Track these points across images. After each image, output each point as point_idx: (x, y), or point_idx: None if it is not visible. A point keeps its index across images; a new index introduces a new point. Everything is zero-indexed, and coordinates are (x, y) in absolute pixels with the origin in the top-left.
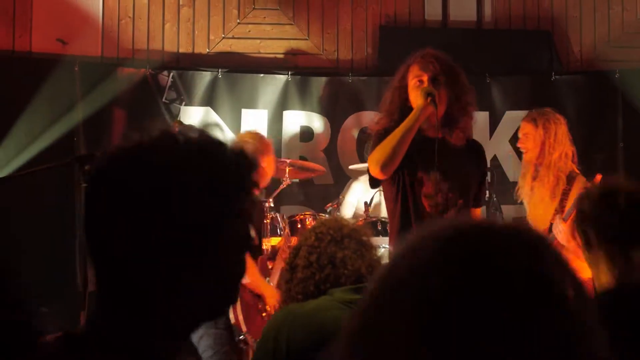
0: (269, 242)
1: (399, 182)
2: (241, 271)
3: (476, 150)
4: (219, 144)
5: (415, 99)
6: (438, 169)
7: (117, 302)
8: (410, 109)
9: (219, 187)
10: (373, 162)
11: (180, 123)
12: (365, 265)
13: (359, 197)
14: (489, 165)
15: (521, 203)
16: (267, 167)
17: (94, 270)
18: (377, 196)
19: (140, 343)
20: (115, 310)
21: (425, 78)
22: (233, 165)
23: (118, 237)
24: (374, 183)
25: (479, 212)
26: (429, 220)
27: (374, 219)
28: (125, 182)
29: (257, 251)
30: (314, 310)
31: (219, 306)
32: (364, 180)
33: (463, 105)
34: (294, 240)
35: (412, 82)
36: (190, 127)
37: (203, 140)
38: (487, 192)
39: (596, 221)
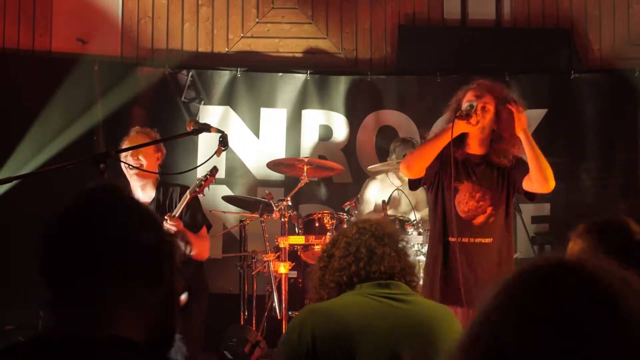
0: (287, 241)
1: (437, 191)
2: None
3: (515, 167)
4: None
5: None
6: (472, 180)
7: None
8: None
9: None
10: (404, 165)
11: (196, 122)
12: (401, 266)
13: (376, 196)
14: None
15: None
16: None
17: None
18: (395, 195)
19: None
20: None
21: (477, 104)
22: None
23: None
24: (412, 185)
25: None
26: (461, 224)
27: (392, 217)
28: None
29: None
30: (340, 308)
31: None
32: (380, 179)
33: (509, 134)
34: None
35: (464, 105)
36: (205, 125)
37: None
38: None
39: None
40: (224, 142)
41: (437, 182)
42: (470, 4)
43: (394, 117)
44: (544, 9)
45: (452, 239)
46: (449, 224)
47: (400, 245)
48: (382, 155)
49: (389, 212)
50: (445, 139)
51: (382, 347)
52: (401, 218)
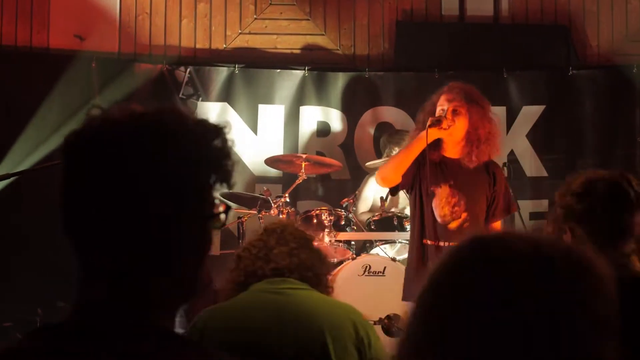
0: None
1: (416, 194)
2: (206, 254)
3: (493, 172)
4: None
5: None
6: (448, 184)
7: (105, 284)
8: None
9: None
10: (378, 174)
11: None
12: (297, 262)
13: (375, 193)
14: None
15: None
16: None
17: (77, 254)
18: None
19: (137, 320)
20: (104, 293)
21: (447, 107)
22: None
23: (102, 211)
24: (391, 191)
25: (497, 225)
26: (437, 228)
27: (390, 214)
28: (119, 153)
29: None
30: (228, 305)
31: (189, 287)
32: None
33: (479, 135)
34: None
35: (437, 110)
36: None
37: (198, 123)
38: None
39: (582, 217)
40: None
41: (415, 185)
42: (469, 0)
43: (391, 114)
44: (542, 5)
45: (427, 242)
46: (426, 227)
47: (301, 242)
48: (380, 152)
49: (387, 208)
50: (418, 148)
51: (263, 339)
52: (399, 214)
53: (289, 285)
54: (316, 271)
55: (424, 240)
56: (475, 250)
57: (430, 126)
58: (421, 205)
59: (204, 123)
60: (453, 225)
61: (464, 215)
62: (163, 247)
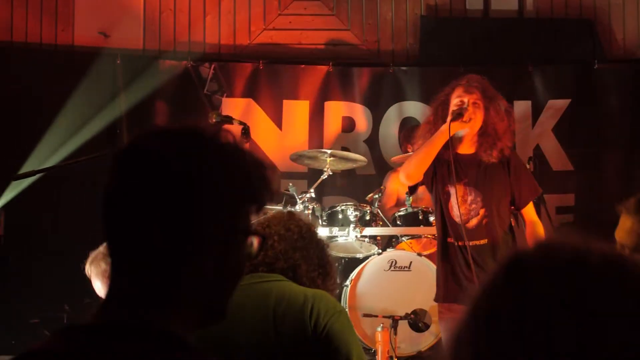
0: None
1: (435, 193)
2: (236, 279)
3: (507, 163)
4: (251, 158)
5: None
6: (463, 182)
7: (138, 289)
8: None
9: (239, 195)
10: (402, 172)
11: (218, 115)
12: (280, 248)
13: (398, 187)
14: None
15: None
16: None
17: (111, 254)
18: (420, 187)
19: (161, 328)
20: (136, 298)
21: (467, 99)
22: (259, 179)
23: (148, 218)
24: (410, 190)
25: (529, 209)
26: (457, 227)
27: (416, 209)
28: (166, 163)
29: None
30: None
31: (214, 310)
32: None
33: (497, 130)
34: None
35: (454, 101)
36: (227, 117)
37: (241, 150)
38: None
39: None
40: (246, 134)
41: (434, 184)
42: None
43: (416, 109)
44: None
45: (450, 240)
46: (448, 226)
47: (291, 230)
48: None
49: (413, 204)
50: (440, 142)
51: (250, 325)
52: (424, 210)
53: (252, 280)
54: (292, 262)
55: (448, 239)
56: (511, 276)
57: (452, 120)
58: (440, 205)
59: (253, 155)
60: (472, 223)
61: (482, 211)
62: (191, 264)
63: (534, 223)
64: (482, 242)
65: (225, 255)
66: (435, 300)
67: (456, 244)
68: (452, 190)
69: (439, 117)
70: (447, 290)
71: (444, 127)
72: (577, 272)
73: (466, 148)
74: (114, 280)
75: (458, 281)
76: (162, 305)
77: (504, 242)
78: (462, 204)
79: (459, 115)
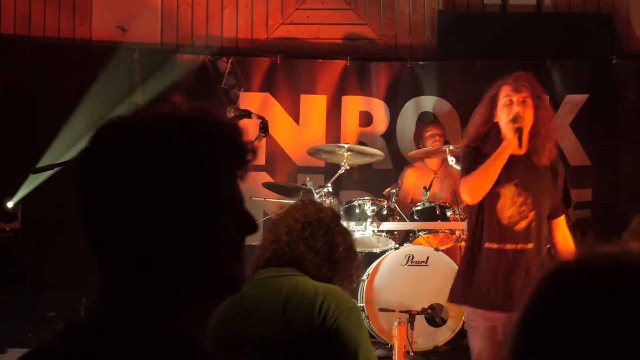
0: None
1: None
2: (238, 248)
3: (555, 168)
4: (217, 121)
5: (506, 129)
6: (513, 183)
7: (128, 281)
8: (495, 124)
9: (215, 158)
10: (465, 190)
11: (236, 109)
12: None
13: (414, 182)
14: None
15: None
16: None
17: (96, 252)
18: (435, 181)
19: (160, 318)
20: (128, 290)
21: (515, 99)
22: (229, 141)
23: (124, 210)
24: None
25: (562, 221)
26: (502, 230)
27: (433, 204)
28: (125, 156)
29: None
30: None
31: (225, 279)
32: (418, 165)
33: (547, 129)
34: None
35: (502, 100)
36: (245, 111)
37: (201, 114)
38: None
39: None
40: (264, 128)
41: None
42: None
43: (434, 103)
44: None
45: (491, 246)
46: (488, 230)
47: (298, 221)
48: (417, 143)
49: (430, 199)
50: (505, 156)
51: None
52: (442, 204)
53: (266, 275)
54: (298, 253)
55: (487, 245)
56: (559, 286)
57: (517, 130)
58: (483, 207)
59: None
60: (520, 226)
61: (531, 214)
62: (185, 242)
63: (565, 235)
64: (529, 246)
65: (223, 228)
66: (458, 302)
67: (499, 248)
68: (502, 191)
69: (484, 121)
70: (480, 296)
71: (509, 142)
72: (621, 278)
73: (517, 149)
74: (113, 279)
75: (495, 287)
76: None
77: (547, 249)
78: (512, 206)
79: (516, 120)
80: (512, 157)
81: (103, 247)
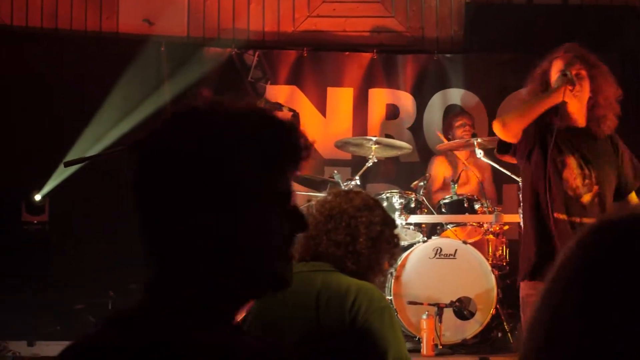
0: None
1: (539, 162)
2: (286, 245)
3: (616, 143)
4: (271, 118)
5: (556, 80)
6: (578, 155)
7: (177, 270)
8: None
9: (270, 157)
10: (498, 119)
11: (267, 101)
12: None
13: (443, 172)
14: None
15: None
16: None
17: (145, 242)
18: (464, 175)
19: (206, 307)
20: (176, 279)
21: (570, 71)
22: (284, 140)
23: (174, 200)
24: (501, 149)
25: (634, 197)
26: (569, 202)
27: (461, 197)
28: (181, 147)
29: None
30: None
31: (267, 278)
32: (446, 155)
33: (605, 98)
34: None
35: (554, 77)
36: (277, 104)
37: (258, 111)
38: None
39: None
40: (296, 121)
41: (535, 152)
42: None
43: (461, 96)
44: None
45: (559, 216)
46: (554, 200)
47: (322, 213)
48: (447, 135)
49: (458, 191)
50: (551, 102)
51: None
52: (470, 197)
53: (300, 269)
54: (322, 247)
55: (556, 214)
56: (604, 242)
57: (567, 82)
58: (546, 175)
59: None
60: (586, 198)
61: (595, 188)
62: (233, 235)
63: None
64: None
65: (269, 223)
66: (524, 279)
67: (567, 219)
68: (568, 161)
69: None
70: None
71: (559, 90)
72: None
73: (577, 120)
74: (161, 268)
75: None
76: (214, 291)
77: None
78: (578, 177)
79: (571, 82)
80: (574, 130)
81: (153, 232)
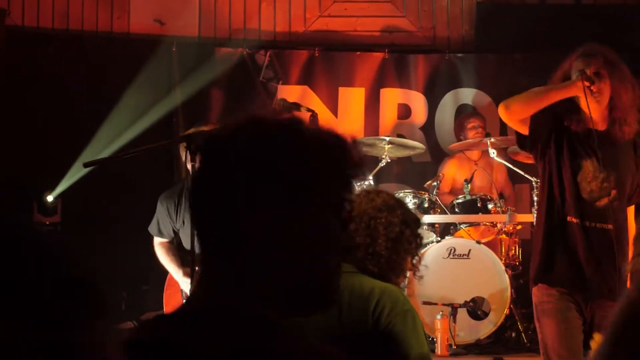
0: None
1: (552, 164)
2: (333, 263)
3: (638, 147)
4: (342, 141)
5: (575, 75)
6: (595, 158)
7: (246, 266)
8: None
9: (340, 168)
10: (503, 102)
11: (284, 101)
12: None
13: (455, 174)
14: None
15: None
16: None
17: (201, 244)
18: (477, 174)
19: (257, 312)
20: (236, 284)
21: (589, 70)
22: (348, 161)
23: (242, 206)
24: (521, 142)
25: (631, 210)
26: (583, 205)
27: (474, 197)
28: (253, 155)
29: None
30: None
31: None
32: (458, 157)
33: (625, 101)
34: None
35: (574, 77)
36: (295, 104)
37: (330, 134)
38: None
39: None
40: (314, 121)
41: (550, 152)
42: None
43: (473, 96)
44: None
45: (571, 219)
46: (568, 202)
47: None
48: (459, 134)
49: (471, 191)
50: (562, 94)
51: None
52: (483, 197)
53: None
54: (346, 251)
55: (569, 218)
56: None
57: (584, 78)
58: (560, 177)
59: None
60: (602, 202)
61: (613, 192)
62: (282, 243)
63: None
64: (609, 226)
65: (321, 234)
66: (536, 282)
67: (578, 223)
68: (583, 164)
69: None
70: (558, 273)
71: (575, 83)
72: None
73: (597, 123)
74: (208, 270)
75: (577, 266)
76: (257, 292)
77: (625, 230)
78: (593, 180)
79: (588, 79)
80: (593, 132)
81: (211, 234)
